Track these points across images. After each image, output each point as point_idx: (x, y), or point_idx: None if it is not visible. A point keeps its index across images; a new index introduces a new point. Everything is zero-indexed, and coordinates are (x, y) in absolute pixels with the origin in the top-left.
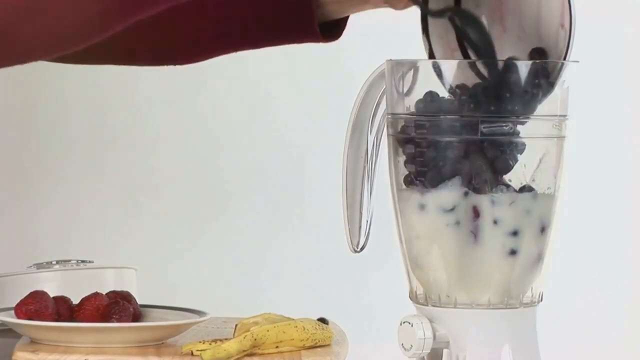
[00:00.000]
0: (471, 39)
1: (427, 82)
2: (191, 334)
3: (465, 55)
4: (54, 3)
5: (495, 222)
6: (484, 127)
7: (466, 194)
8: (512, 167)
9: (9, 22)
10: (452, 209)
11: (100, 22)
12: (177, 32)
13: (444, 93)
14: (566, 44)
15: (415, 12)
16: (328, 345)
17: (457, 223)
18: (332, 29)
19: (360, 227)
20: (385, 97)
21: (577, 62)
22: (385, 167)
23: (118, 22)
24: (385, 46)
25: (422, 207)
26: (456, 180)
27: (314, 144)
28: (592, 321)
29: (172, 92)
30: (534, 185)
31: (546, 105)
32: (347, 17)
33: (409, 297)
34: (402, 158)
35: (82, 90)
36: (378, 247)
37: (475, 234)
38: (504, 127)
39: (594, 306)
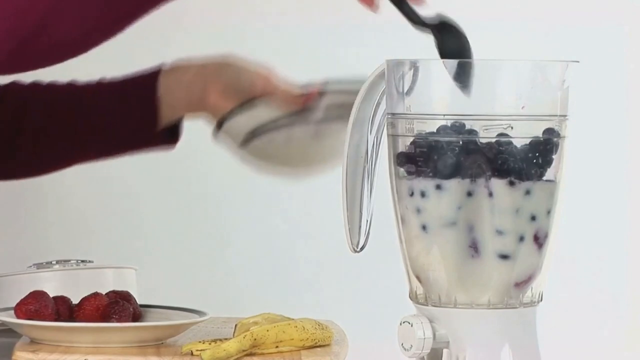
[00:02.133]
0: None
1: (427, 82)
2: (191, 334)
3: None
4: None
5: (496, 223)
6: (484, 128)
7: (467, 194)
8: (513, 168)
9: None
10: (452, 209)
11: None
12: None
13: (440, 93)
14: None
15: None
16: (328, 345)
17: (457, 223)
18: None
19: (360, 227)
20: (385, 96)
21: (577, 62)
22: (385, 167)
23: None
24: (385, 46)
25: (422, 207)
26: (457, 180)
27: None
28: (592, 321)
29: None
30: (534, 186)
31: (546, 105)
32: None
33: (409, 297)
34: (402, 158)
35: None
36: (378, 247)
37: (475, 235)
38: (504, 128)
39: (594, 306)
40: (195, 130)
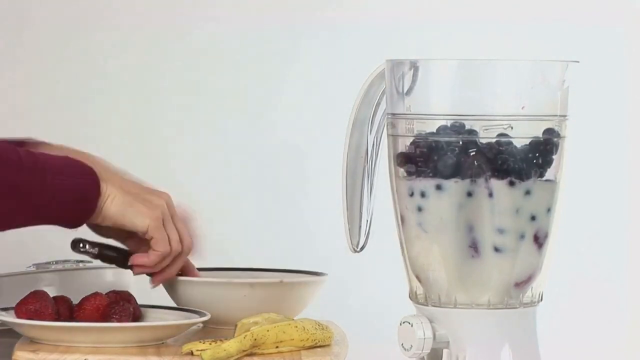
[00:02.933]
0: None
1: (427, 82)
2: (191, 334)
3: None
4: None
5: (496, 223)
6: (484, 128)
7: (467, 194)
8: (513, 168)
9: None
10: (452, 209)
11: None
12: None
13: (440, 93)
14: None
15: (415, 12)
16: (328, 345)
17: (457, 223)
18: None
19: (360, 227)
20: (385, 96)
21: (577, 62)
22: (385, 167)
23: None
24: (385, 46)
25: (422, 207)
26: (457, 181)
27: (314, 144)
28: (592, 321)
29: (173, 91)
30: (534, 186)
31: (546, 105)
32: None
33: (409, 297)
34: (402, 158)
35: (81, 88)
36: (378, 247)
37: (475, 235)
38: (504, 128)
39: (594, 306)
40: (201, 131)
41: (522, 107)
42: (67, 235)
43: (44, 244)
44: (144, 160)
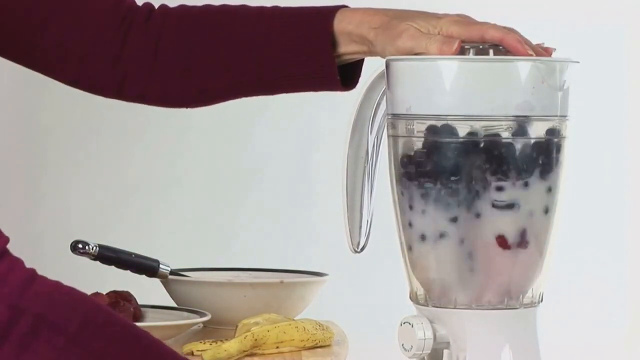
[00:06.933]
0: None
1: (427, 82)
2: (191, 334)
3: None
4: None
5: (496, 223)
6: (484, 129)
7: (467, 194)
8: (513, 169)
9: None
10: (452, 209)
11: None
12: (190, 81)
13: (440, 93)
14: None
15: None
16: (328, 345)
17: (458, 223)
18: (347, 76)
19: (360, 227)
20: (385, 97)
21: (577, 62)
22: (385, 167)
23: None
24: None
25: (422, 208)
26: (457, 181)
27: (315, 144)
28: (592, 321)
29: None
30: (534, 187)
31: (546, 105)
32: (362, 64)
33: (409, 297)
34: (402, 158)
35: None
36: (378, 247)
37: (475, 235)
38: (504, 128)
39: (594, 306)
40: (202, 131)
41: (523, 107)
42: (66, 236)
43: (43, 245)
44: (144, 160)
